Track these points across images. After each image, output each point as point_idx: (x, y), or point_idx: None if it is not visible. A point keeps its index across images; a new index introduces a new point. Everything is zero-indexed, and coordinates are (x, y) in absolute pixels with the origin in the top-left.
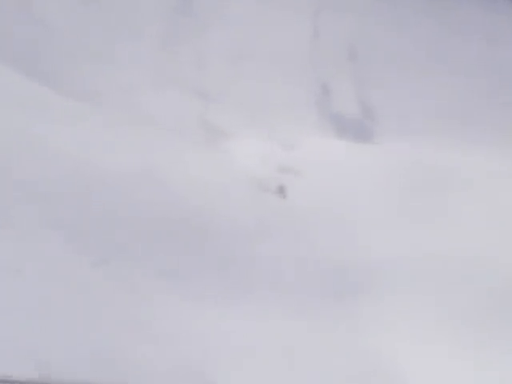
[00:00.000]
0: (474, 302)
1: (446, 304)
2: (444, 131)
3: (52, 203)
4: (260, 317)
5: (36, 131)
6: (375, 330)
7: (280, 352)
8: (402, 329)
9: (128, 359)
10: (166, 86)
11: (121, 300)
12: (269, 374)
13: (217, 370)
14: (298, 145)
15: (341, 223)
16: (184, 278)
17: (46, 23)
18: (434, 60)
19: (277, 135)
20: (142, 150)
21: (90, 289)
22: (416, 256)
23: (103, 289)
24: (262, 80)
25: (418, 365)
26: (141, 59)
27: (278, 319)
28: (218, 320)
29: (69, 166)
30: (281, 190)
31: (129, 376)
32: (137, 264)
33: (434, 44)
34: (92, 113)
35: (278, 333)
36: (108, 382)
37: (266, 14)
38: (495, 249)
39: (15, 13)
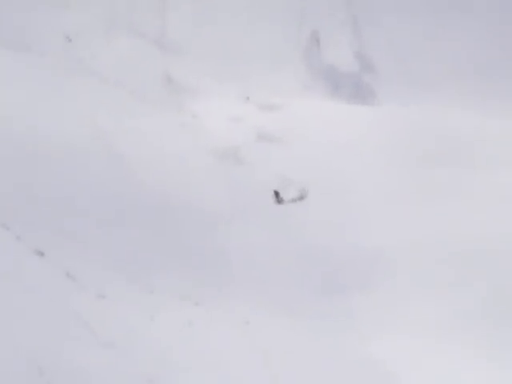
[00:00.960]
0: (486, 296)
1: (450, 300)
2: (459, 89)
3: None
4: (231, 319)
5: None
6: (369, 330)
7: (258, 359)
8: (399, 330)
9: (71, 368)
10: (119, 34)
11: (66, 296)
12: None
13: (178, 382)
14: (282, 105)
15: (332, 203)
16: (141, 272)
17: None
18: (446, 4)
19: (255, 94)
20: (92, 113)
21: (31, 283)
22: (419, 241)
23: (45, 284)
24: (236, 26)
25: (420, 369)
26: (89, 2)
27: (254, 319)
28: (180, 324)
29: (1, 134)
30: (277, 195)
31: None
32: (85, 253)
33: None
34: (32, 66)
35: (253, 337)
36: None
37: None
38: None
39: None
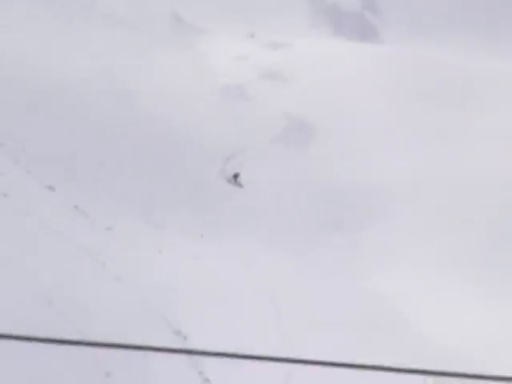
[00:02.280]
0: (485, 232)
1: (456, 238)
2: (463, 29)
3: None
4: (235, 252)
5: None
6: (373, 267)
7: (264, 295)
8: (399, 266)
9: (81, 300)
10: None
11: (74, 229)
12: (245, 317)
13: (183, 314)
14: (286, 44)
15: (336, 139)
16: (149, 205)
17: None
18: None
19: (260, 33)
20: (101, 51)
21: (38, 215)
22: (422, 179)
23: (56, 216)
24: None
25: (421, 307)
26: None
27: (260, 255)
28: (186, 257)
29: (15, 73)
30: (235, 178)
31: (79, 319)
32: (94, 189)
33: None
34: (42, 8)
35: (260, 272)
36: (58, 327)
37: None
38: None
39: None
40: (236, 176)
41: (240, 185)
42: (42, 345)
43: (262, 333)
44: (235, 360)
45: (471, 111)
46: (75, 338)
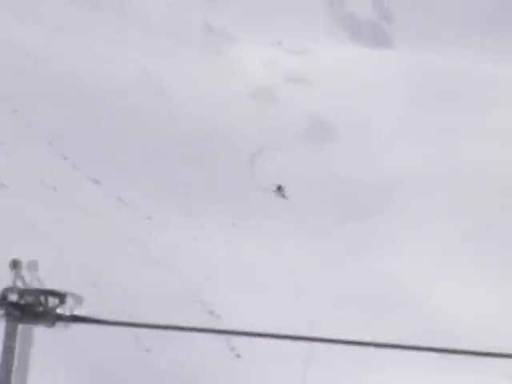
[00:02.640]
0: (489, 221)
1: (460, 224)
2: (472, 39)
3: (43, 116)
4: (263, 239)
5: (30, 39)
6: (387, 252)
7: (286, 276)
8: (414, 250)
9: (123, 283)
10: None
11: (117, 219)
12: (272, 299)
13: (216, 295)
14: (308, 51)
15: (353, 137)
16: (185, 197)
17: None
18: None
19: (284, 40)
20: (141, 56)
21: (85, 207)
22: (431, 172)
23: (100, 207)
24: None
25: (430, 287)
26: None
27: (282, 242)
28: (219, 243)
29: (62, 75)
30: (279, 189)
31: (122, 301)
32: (134, 180)
33: None
34: (89, 18)
35: (283, 255)
36: (102, 308)
37: None
38: None
39: None
40: (280, 188)
41: (284, 196)
42: (87, 325)
43: (286, 313)
44: (263, 338)
45: (480, 114)
46: (118, 318)
